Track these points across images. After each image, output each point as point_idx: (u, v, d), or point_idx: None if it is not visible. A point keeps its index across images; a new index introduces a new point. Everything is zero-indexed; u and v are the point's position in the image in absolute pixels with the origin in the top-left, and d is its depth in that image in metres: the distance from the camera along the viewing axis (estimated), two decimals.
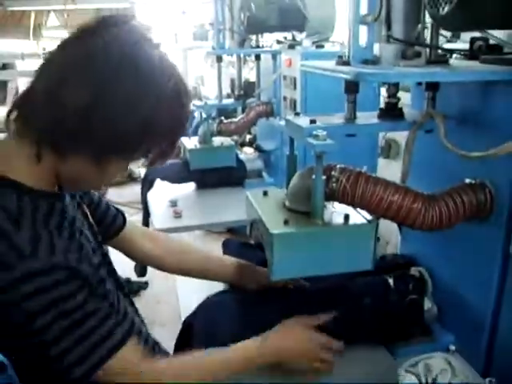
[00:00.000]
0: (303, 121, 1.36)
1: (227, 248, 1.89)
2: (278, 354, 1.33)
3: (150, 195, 3.07)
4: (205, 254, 1.72)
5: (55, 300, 1.03)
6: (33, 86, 1.09)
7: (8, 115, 1.10)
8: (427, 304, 1.60)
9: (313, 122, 1.33)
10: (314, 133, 1.26)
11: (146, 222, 2.96)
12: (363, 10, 1.33)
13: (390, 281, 1.58)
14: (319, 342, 1.37)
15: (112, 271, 1.40)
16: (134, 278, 3.08)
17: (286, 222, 1.34)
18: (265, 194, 1.55)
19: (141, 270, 2.76)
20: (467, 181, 1.41)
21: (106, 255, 1.38)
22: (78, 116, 1.03)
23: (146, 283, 3.97)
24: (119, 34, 1.07)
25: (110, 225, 1.51)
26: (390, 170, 3.33)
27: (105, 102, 1.04)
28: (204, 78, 7.87)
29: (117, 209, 1.55)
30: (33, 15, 9.64)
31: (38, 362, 1.10)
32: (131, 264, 2.77)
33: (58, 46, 1.10)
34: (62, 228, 1.11)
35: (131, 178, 6.25)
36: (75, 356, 1.06)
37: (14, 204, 1.05)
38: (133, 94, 1.05)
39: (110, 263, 1.40)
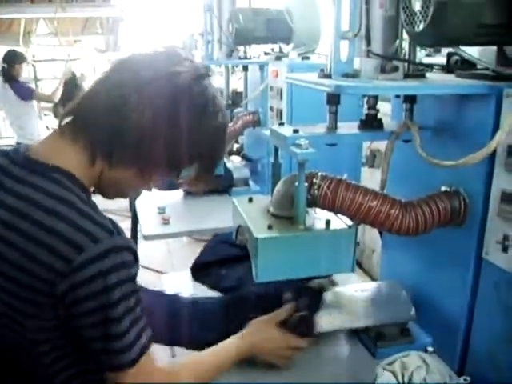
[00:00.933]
0: (287, 130, 1.43)
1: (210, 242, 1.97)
2: (251, 350, 1.47)
3: (139, 202, 3.11)
4: None
5: (128, 278, 1.08)
6: (93, 96, 1.17)
7: (62, 119, 1.19)
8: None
9: (296, 131, 1.39)
10: (297, 142, 1.33)
11: (134, 228, 3.00)
12: (344, 26, 1.39)
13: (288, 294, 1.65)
14: (285, 340, 1.51)
15: None
16: None
17: (269, 227, 1.40)
18: (250, 200, 1.61)
19: None
20: (442, 188, 1.48)
21: None
22: (139, 135, 1.12)
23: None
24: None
25: None
26: (374, 178, 3.40)
27: (169, 129, 1.15)
28: None
29: None
30: (22, 22, 9.65)
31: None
32: None
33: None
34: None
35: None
36: (131, 336, 1.10)
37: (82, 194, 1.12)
38: (195, 129, 1.19)
39: None
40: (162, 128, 1.13)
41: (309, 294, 1.62)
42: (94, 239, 1.03)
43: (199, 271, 2.03)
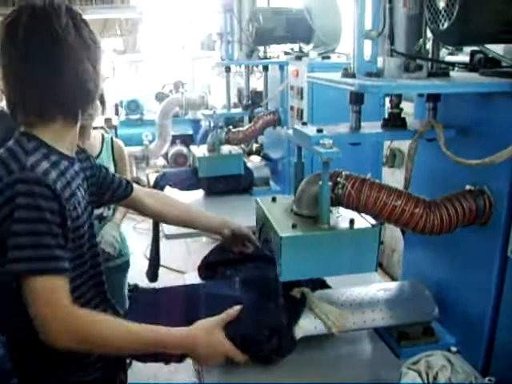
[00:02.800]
0: (310, 130, 1.43)
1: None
2: (191, 345, 1.39)
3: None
4: (196, 208, 2.05)
5: (33, 206, 1.25)
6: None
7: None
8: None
9: (319, 131, 1.40)
10: (321, 141, 1.33)
11: (156, 228, 3.01)
12: (368, 25, 1.40)
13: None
14: (225, 349, 1.42)
15: (92, 235, 1.57)
16: (143, 283, 3.13)
17: (293, 226, 1.41)
18: (273, 200, 1.62)
19: (152, 276, 2.81)
20: (467, 187, 1.47)
21: (91, 220, 1.57)
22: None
23: (154, 289, 4.00)
24: None
25: (116, 189, 1.73)
26: (394, 178, 3.40)
27: None
28: (211, 87, 7.95)
29: (127, 180, 1.79)
30: None
31: None
32: (142, 270, 2.86)
33: None
34: (62, 176, 1.36)
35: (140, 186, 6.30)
36: (27, 253, 1.24)
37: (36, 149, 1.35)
38: None
39: (91, 226, 1.57)
40: None
41: (290, 302, 1.57)
42: (9, 171, 1.28)
43: (206, 271, 2.04)
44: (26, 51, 1.30)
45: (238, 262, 1.88)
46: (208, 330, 1.41)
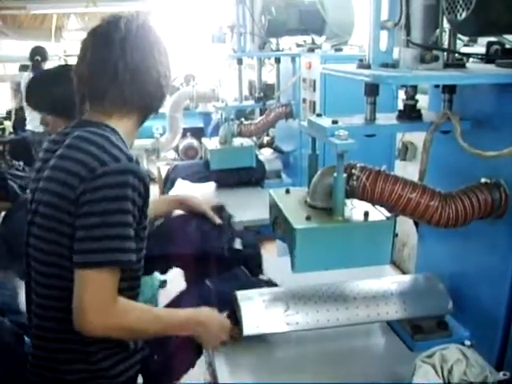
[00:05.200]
0: (325, 121, 1.42)
1: None
2: (197, 318, 1.56)
3: (172, 194, 3.13)
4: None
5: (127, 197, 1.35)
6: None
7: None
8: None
9: (335, 122, 1.39)
10: (336, 133, 1.32)
11: None
12: (384, 15, 1.38)
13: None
14: (225, 325, 1.59)
15: None
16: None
17: (308, 218, 1.40)
18: (287, 191, 1.61)
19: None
20: (482, 180, 1.46)
21: None
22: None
23: (165, 282, 4.01)
24: None
25: None
26: (406, 171, 3.37)
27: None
28: (221, 79, 7.93)
29: None
30: (54, 18, 9.78)
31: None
32: None
33: None
34: None
35: (149, 179, 6.31)
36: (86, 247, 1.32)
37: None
38: None
39: None
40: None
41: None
42: (116, 159, 1.35)
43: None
44: (124, 50, 1.44)
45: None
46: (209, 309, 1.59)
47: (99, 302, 1.32)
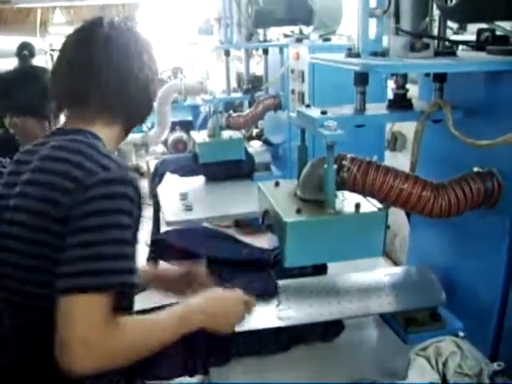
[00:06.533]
0: (314, 112, 1.40)
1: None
2: (205, 302, 1.37)
3: (161, 188, 3.10)
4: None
5: (124, 210, 1.20)
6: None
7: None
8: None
9: (324, 113, 1.36)
10: (325, 123, 1.30)
11: (156, 215, 2.99)
12: (372, 3, 1.36)
13: None
14: (236, 296, 1.44)
15: None
16: None
17: (298, 211, 1.38)
18: (276, 184, 1.59)
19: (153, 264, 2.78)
20: (475, 169, 1.44)
21: None
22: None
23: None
24: None
25: None
26: (396, 162, 3.33)
27: None
28: (209, 72, 7.88)
29: None
30: (39, 12, 9.66)
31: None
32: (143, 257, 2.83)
33: None
34: None
35: (138, 173, 6.28)
36: (74, 269, 1.14)
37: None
38: None
39: None
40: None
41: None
42: (104, 168, 1.21)
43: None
44: (108, 49, 1.34)
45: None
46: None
47: (92, 329, 1.11)
